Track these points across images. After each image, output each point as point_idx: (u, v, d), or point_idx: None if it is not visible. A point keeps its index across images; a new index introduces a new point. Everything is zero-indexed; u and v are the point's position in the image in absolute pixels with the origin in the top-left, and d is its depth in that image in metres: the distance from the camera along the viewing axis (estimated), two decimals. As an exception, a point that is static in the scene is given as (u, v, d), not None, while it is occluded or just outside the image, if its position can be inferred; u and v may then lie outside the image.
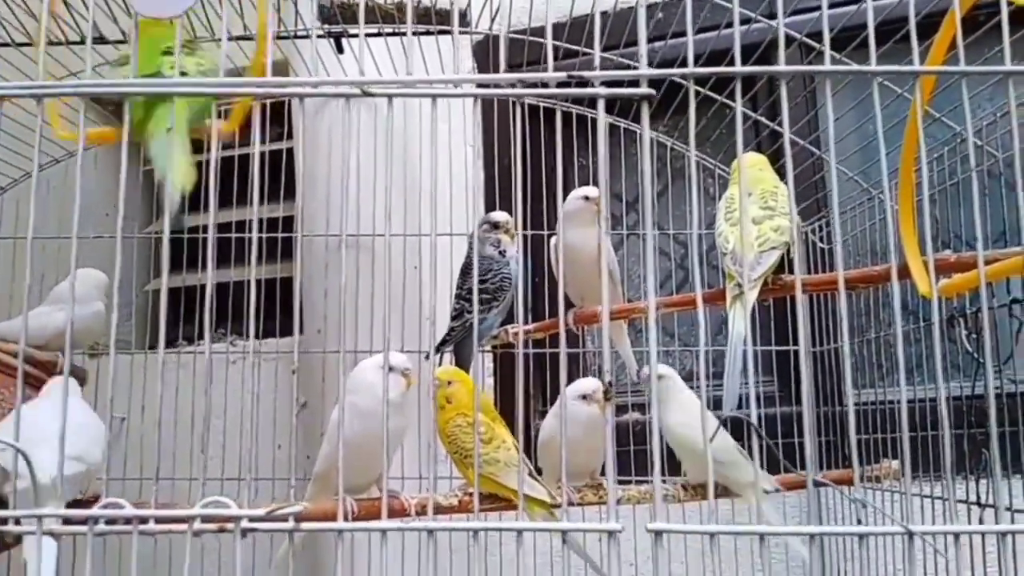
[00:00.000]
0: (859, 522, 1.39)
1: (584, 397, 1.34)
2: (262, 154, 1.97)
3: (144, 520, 0.59)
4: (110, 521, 0.59)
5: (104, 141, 0.94)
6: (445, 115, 1.88)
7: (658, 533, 0.54)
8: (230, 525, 0.58)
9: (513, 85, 0.66)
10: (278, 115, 2.16)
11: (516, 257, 1.65)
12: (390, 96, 0.67)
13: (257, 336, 2.08)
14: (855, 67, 0.72)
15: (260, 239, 0.79)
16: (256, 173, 0.73)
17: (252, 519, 0.58)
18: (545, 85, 0.66)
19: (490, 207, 1.94)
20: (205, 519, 0.58)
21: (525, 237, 1.82)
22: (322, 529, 0.60)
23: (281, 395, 2.15)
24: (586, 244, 1.47)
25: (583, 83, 0.66)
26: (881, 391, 1.78)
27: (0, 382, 1.35)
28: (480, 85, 0.74)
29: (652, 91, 0.61)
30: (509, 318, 1.69)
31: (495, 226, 1.65)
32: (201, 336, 2.25)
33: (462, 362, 1.63)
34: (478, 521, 0.64)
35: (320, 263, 1.95)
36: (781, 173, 1.82)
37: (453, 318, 1.67)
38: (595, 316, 1.48)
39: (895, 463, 1.55)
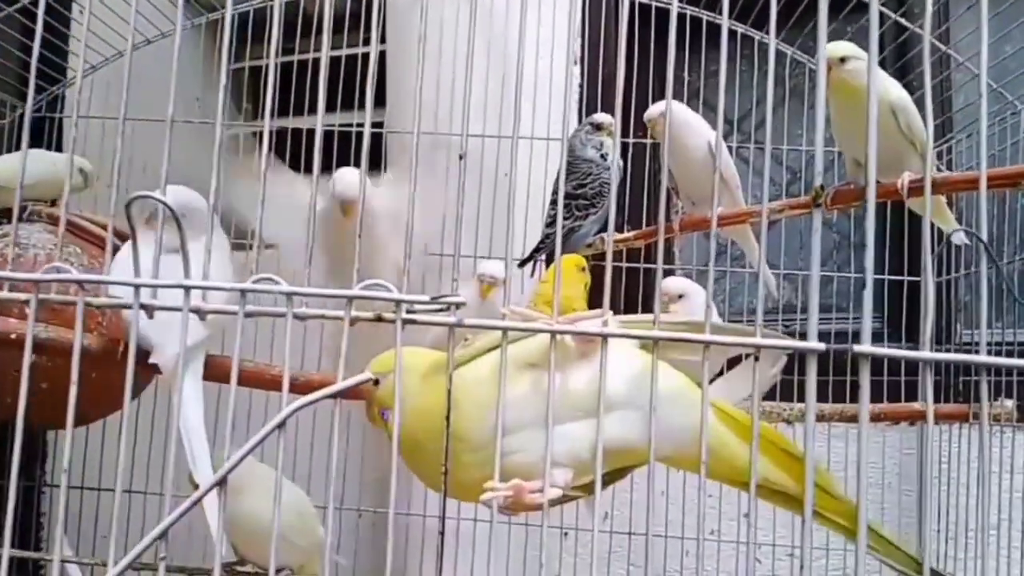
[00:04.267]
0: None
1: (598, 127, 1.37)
2: (351, 57, 1.92)
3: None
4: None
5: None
6: (549, 20, 1.81)
7: (863, 356, 0.47)
8: (389, 314, 0.53)
9: None
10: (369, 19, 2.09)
11: (618, 162, 1.57)
12: None
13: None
14: None
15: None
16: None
17: (414, 306, 0.53)
18: None
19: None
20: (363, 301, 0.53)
21: (625, 144, 1.73)
22: (477, 326, 0.55)
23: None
24: (700, 145, 1.38)
25: None
26: (999, 332, 1.66)
27: (93, 253, 1.34)
28: None
29: None
30: (605, 226, 1.62)
31: (598, 128, 1.57)
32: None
33: (555, 271, 1.57)
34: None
35: (409, 163, 1.90)
36: (910, 88, 1.70)
37: (548, 224, 1.60)
38: (705, 221, 1.40)
39: (1009, 403, 1.46)
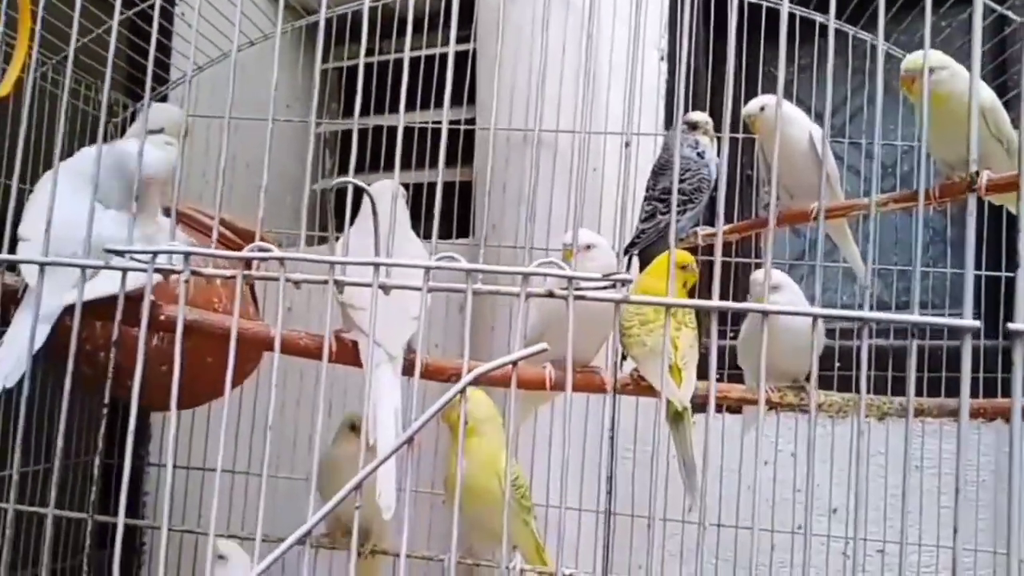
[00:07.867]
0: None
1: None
2: (443, 56, 1.97)
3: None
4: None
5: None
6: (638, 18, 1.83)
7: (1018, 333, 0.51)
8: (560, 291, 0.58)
9: None
10: (467, 16, 2.13)
11: (715, 159, 1.59)
12: None
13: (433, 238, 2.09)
14: None
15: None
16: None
17: (584, 283, 0.57)
18: None
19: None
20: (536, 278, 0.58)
21: (717, 140, 1.75)
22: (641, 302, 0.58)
23: (453, 298, 2.14)
24: (801, 138, 1.40)
25: None
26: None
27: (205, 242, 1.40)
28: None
29: None
30: (700, 221, 1.64)
31: (693, 127, 1.60)
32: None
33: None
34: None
35: (500, 159, 1.94)
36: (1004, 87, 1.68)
37: (643, 220, 1.62)
38: (804, 215, 1.41)
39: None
